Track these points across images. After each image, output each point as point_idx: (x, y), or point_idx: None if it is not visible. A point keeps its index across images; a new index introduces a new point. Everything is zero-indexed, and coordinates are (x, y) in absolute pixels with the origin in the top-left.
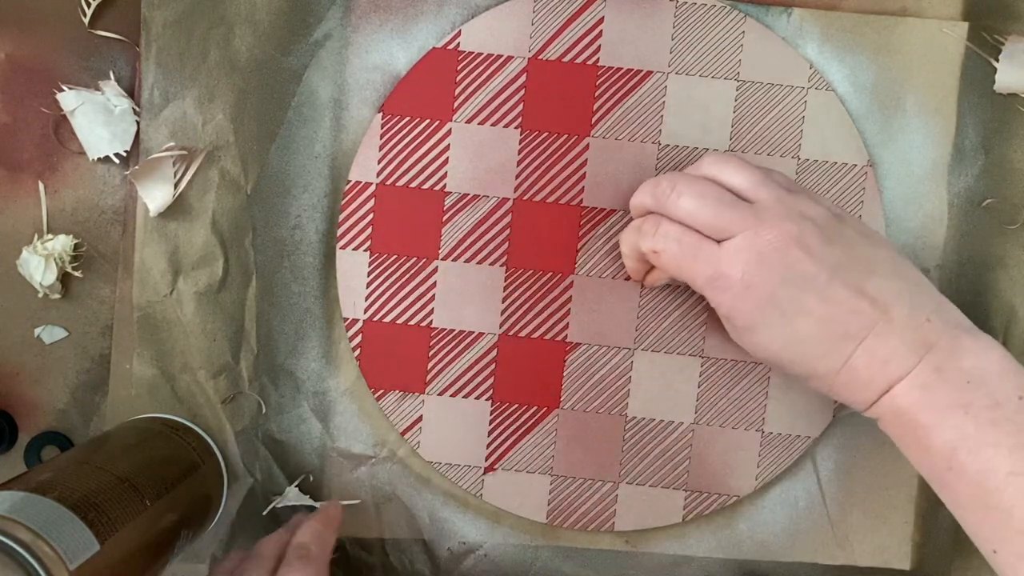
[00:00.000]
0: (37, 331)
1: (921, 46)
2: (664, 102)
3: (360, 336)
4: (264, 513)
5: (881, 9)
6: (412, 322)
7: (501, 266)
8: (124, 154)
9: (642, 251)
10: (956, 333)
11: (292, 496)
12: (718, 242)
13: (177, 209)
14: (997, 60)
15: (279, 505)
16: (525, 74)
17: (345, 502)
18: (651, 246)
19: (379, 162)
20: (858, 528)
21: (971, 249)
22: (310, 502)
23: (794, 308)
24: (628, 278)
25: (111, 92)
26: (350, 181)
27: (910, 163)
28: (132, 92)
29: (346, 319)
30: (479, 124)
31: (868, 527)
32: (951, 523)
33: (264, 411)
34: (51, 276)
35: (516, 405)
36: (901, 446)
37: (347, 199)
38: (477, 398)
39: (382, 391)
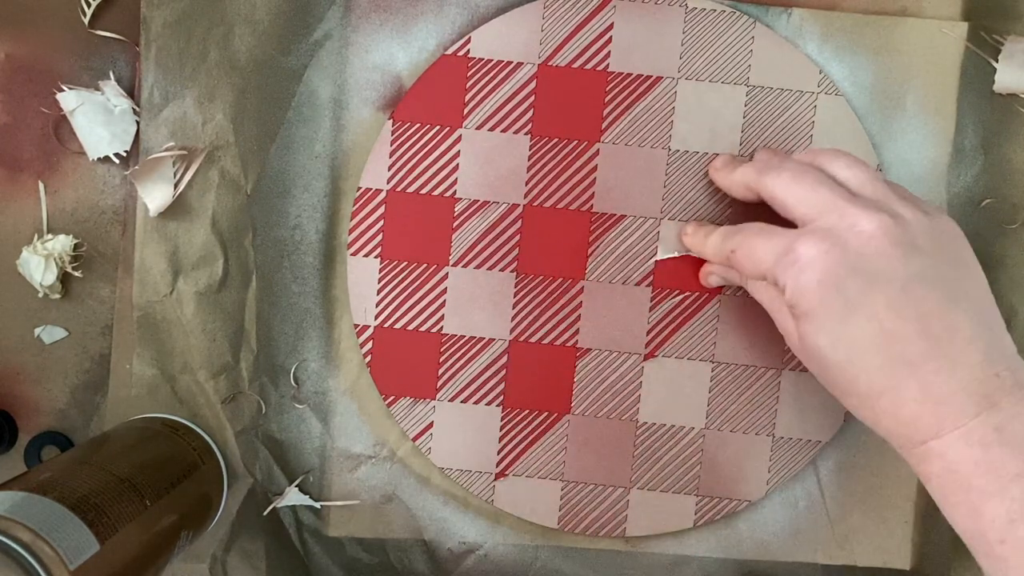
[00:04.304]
0: (37, 331)
1: (921, 46)
2: (674, 107)
3: (371, 342)
4: (264, 513)
5: (881, 9)
6: (423, 328)
7: (511, 272)
8: (124, 154)
9: (723, 255)
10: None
11: (292, 496)
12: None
13: (177, 209)
14: (997, 60)
15: (279, 505)
16: (535, 80)
17: (345, 502)
18: (732, 245)
19: (389, 169)
20: (858, 528)
21: None
22: (310, 502)
23: (857, 302)
24: (638, 284)
25: (111, 92)
26: (360, 188)
27: (909, 163)
28: (132, 92)
29: (356, 325)
30: (489, 131)
31: (868, 527)
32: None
33: (264, 411)
34: (51, 276)
35: (527, 411)
36: (940, 501)
37: (357, 206)
38: (488, 404)
39: (393, 397)
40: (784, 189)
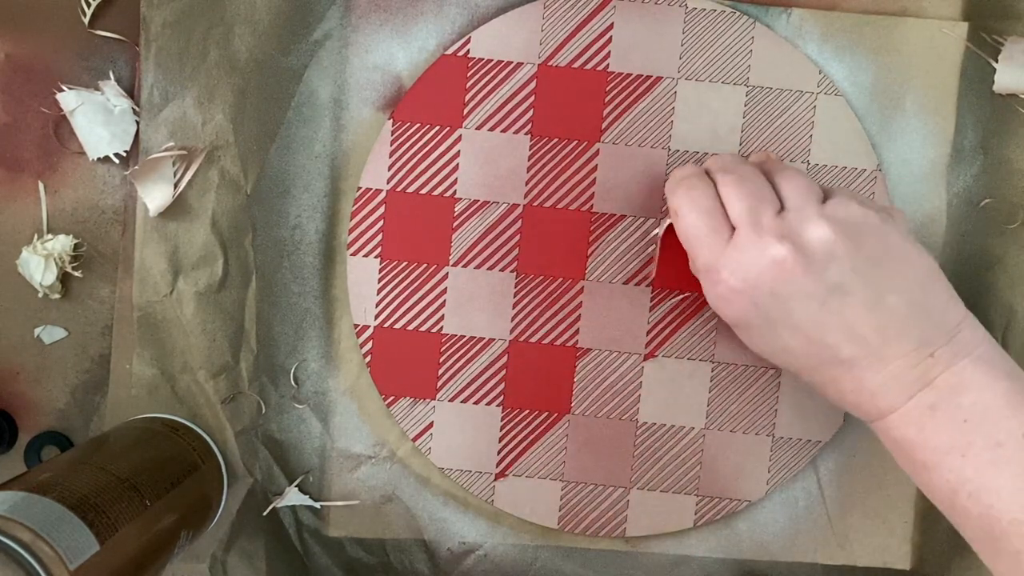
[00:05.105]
0: (37, 331)
1: (921, 46)
2: (674, 108)
3: (371, 342)
4: (264, 513)
5: (881, 9)
6: (423, 328)
7: (511, 272)
8: (124, 154)
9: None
10: (963, 365)
11: (292, 496)
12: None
13: (177, 209)
14: (996, 60)
15: (279, 505)
16: (535, 80)
17: (345, 502)
18: (677, 205)
19: (389, 169)
20: (858, 528)
21: (970, 249)
22: (310, 502)
23: (780, 320)
24: (639, 283)
25: (111, 92)
26: (360, 188)
27: (909, 163)
28: (132, 92)
29: (357, 325)
30: (489, 131)
31: (868, 527)
32: (951, 523)
33: (264, 411)
34: (51, 276)
35: (527, 411)
36: (904, 468)
37: (357, 206)
38: (488, 404)
39: (393, 397)
40: (724, 189)
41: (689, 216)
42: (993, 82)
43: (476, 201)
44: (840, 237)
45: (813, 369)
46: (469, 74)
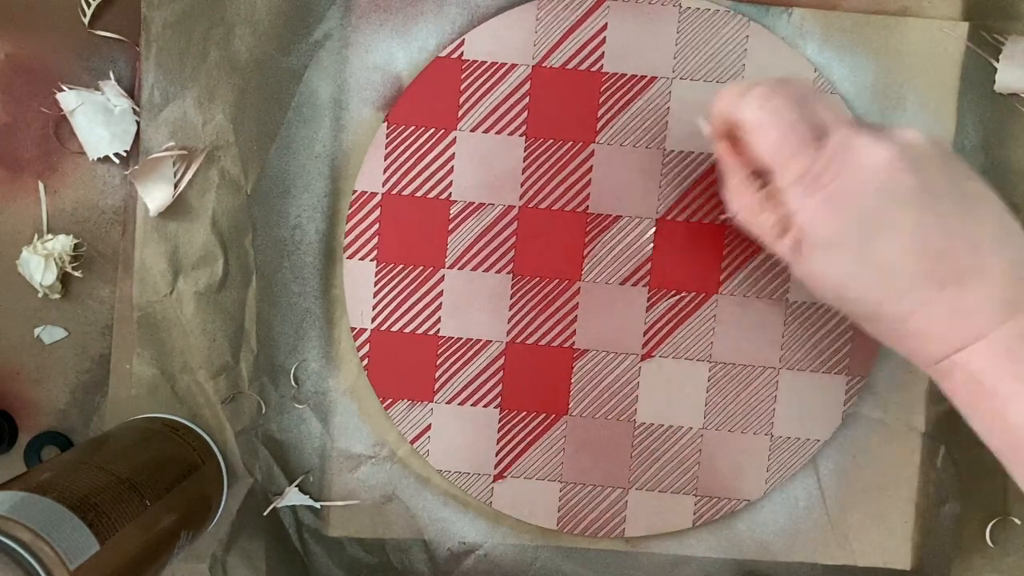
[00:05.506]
0: (37, 331)
1: (921, 46)
2: (669, 108)
3: (368, 345)
4: (264, 513)
5: (881, 9)
6: (420, 331)
7: (508, 274)
8: (124, 154)
9: (731, 125)
10: None
11: (292, 496)
12: None
13: (177, 209)
14: (997, 60)
15: (279, 505)
16: (529, 82)
17: (345, 502)
18: (757, 119)
19: (384, 172)
20: (858, 528)
21: None
22: (310, 502)
23: (881, 224)
24: (635, 284)
25: (111, 92)
26: (356, 191)
27: None
28: (132, 92)
29: (354, 328)
30: (484, 132)
31: (868, 527)
32: (951, 523)
33: (264, 411)
34: (51, 276)
35: (524, 412)
36: (967, 413)
37: (353, 209)
38: (485, 406)
39: (390, 400)
40: (813, 95)
41: (778, 126)
42: (994, 82)
43: (472, 203)
44: (929, 142)
45: (903, 294)
46: (463, 76)
